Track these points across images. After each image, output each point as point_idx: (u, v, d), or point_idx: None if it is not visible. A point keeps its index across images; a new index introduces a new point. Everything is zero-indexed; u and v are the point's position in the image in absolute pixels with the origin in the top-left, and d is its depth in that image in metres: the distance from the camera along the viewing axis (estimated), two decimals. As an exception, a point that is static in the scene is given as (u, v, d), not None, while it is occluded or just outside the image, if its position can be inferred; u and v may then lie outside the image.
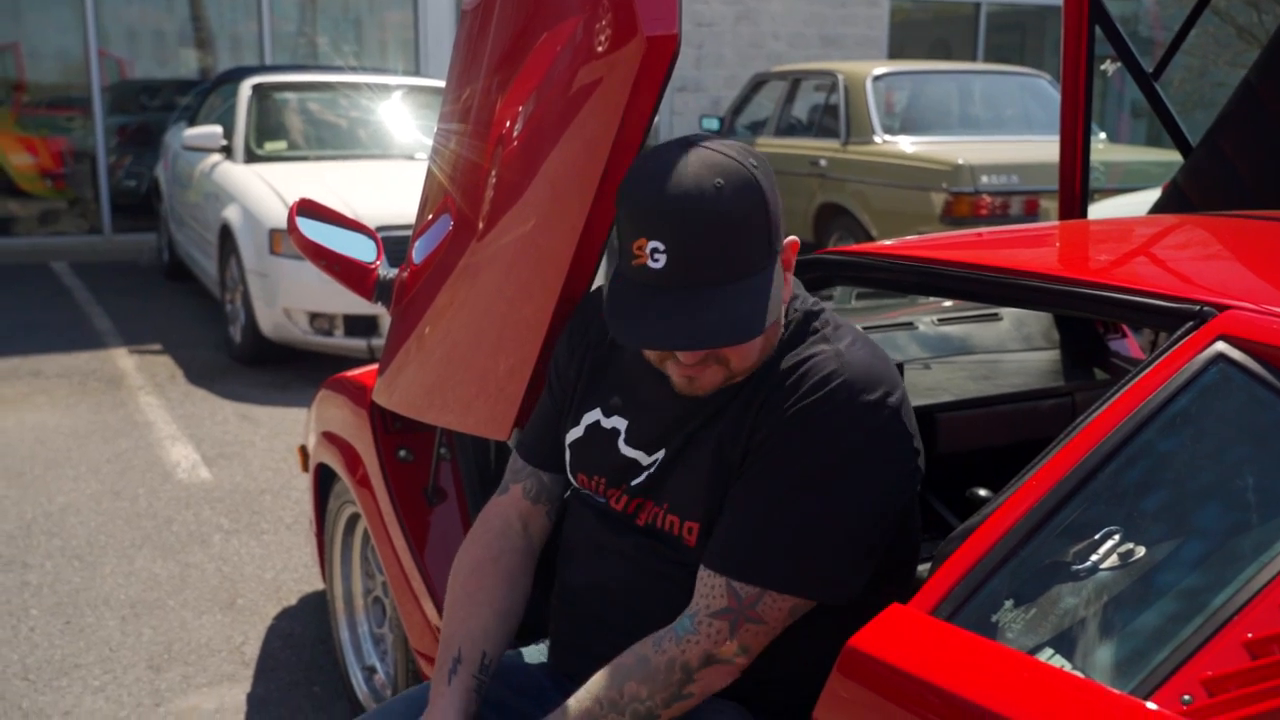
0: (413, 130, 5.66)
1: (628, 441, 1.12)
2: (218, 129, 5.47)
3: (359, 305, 4.23)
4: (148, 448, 3.71)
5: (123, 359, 4.88)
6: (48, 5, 7.57)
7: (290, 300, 4.46)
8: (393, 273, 1.65)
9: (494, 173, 1.43)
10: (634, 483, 1.12)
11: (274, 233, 4.47)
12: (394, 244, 2.19)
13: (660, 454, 1.10)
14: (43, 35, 7.71)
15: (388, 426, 1.73)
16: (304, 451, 2.17)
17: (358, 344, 4.42)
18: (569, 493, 1.22)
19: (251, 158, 5.31)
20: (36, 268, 6.89)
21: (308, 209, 1.60)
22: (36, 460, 3.55)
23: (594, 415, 1.16)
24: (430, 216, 1.58)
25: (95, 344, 5.11)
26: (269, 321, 4.58)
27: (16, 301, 5.93)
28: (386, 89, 5.93)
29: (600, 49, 1.23)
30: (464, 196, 1.50)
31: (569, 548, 1.21)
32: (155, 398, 4.31)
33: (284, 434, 3.86)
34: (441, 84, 5.15)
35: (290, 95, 5.81)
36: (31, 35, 7.68)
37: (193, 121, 6.30)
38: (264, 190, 4.79)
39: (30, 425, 3.90)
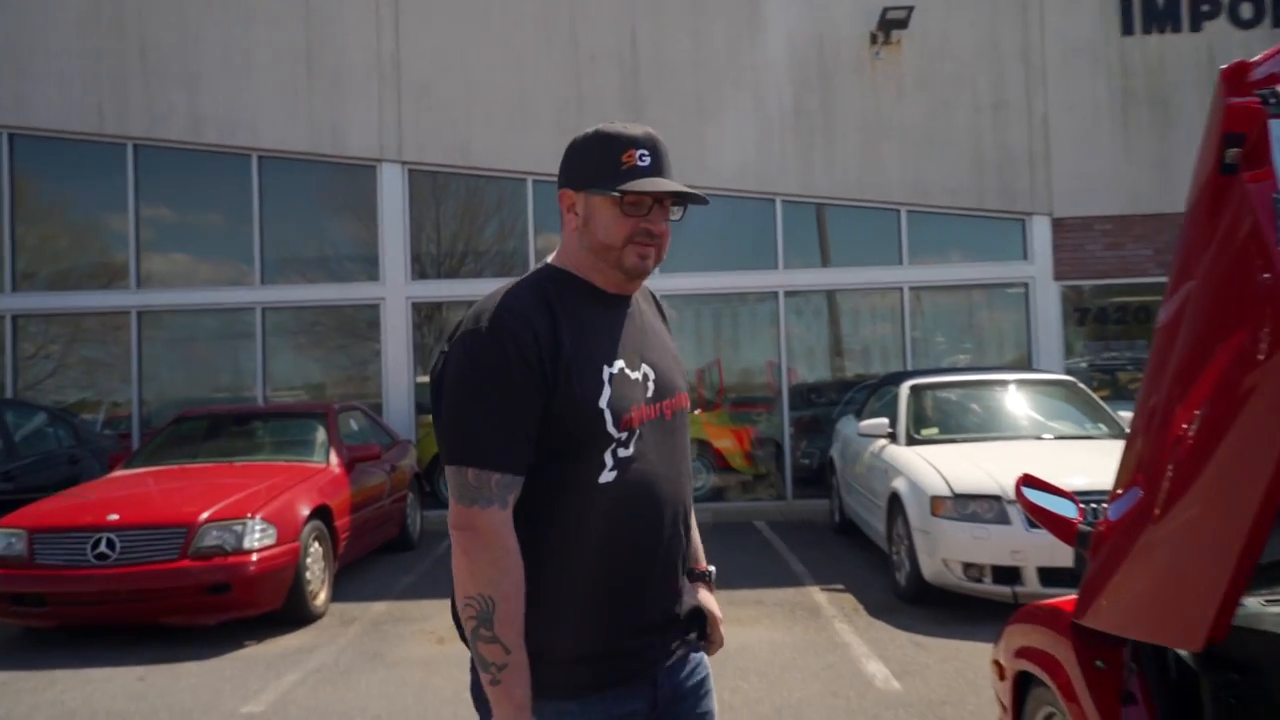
0: (1033, 415, 7.87)
1: (630, 368, 1.93)
2: (884, 420, 7.96)
3: (1004, 558, 6.05)
4: (850, 662, 5.75)
5: (816, 594, 7.47)
6: (749, 334, 12.35)
7: (948, 553, 6.36)
8: (1088, 527, 2.64)
9: (1170, 467, 2.08)
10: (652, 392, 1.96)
11: (934, 499, 6.48)
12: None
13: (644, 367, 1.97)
14: (735, 353, 12.35)
15: (1085, 642, 2.64)
16: (998, 664, 3.20)
17: (1003, 590, 6.15)
18: (614, 453, 1.87)
19: (912, 441, 7.70)
20: (743, 525, 10.71)
21: (1028, 481, 2.73)
22: (773, 664, 5.76)
23: (610, 370, 1.88)
24: (1120, 490, 2.43)
25: (794, 582, 7.89)
26: (930, 569, 6.53)
27: (736, 549, 9.21)
28: (1006, 383, 8.30)
29: (1260, 356, 1.75)
30: (1148, 482, 2.26)
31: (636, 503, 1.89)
32: (847, 625, 6.56)
33: (952, 659, 5.74)
34: (1052, 376, 8.44)
35: (938, 392, 8.26)
36: (726, 353, 12.28)
37: (859, 414, 9.23)
38: (924, 466, 6.92)
39: (764, 639, 6.28)
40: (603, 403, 1.86)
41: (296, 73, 11.83)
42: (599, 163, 1.93)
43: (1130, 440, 2.45)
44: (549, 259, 2.04)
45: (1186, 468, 2.04)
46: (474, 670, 1.88)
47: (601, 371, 1.88)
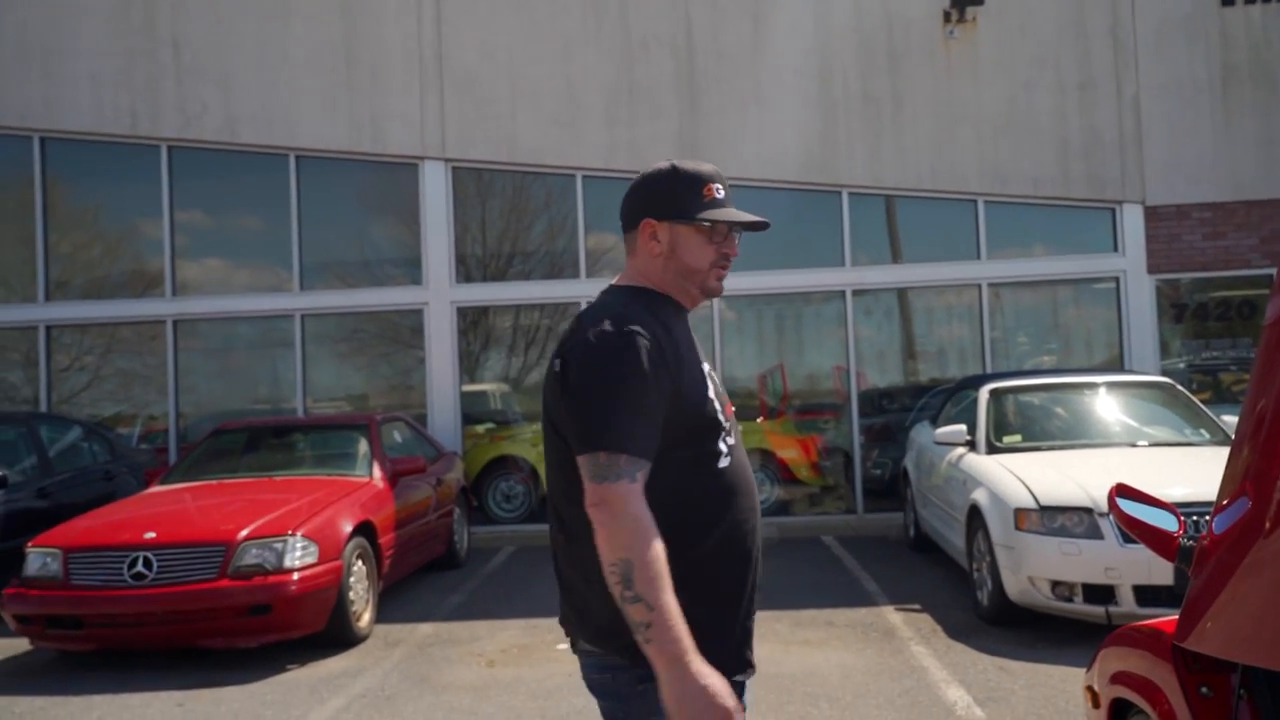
0: (1125, 420, 7.82)
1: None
2: (962, 427, 7.94)
3: (1096, 575, 5.99)
4: (928, 688, 5.71)
5: (890, 615, 7.42)
6: (814, 336, 12.44)
7: (1034, 570, 6.32)
8: (1190, 542, 2.61)
9: (1280, 479, 2.12)
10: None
11: (1018, 512, 6.45)
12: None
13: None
14: (799, 357, 12.43)
15: (1189, 667, 2.61)
16: (1091, 691, 3.16)
17: (1095, 610, 6.10)
18: (721, 445, 2.22)
19: (992, 449, 7.68)
20: (810, 540, 10.69)
21: (1123, 491, 2.67)
22: (845, 690, 5.73)
23: (705, 367, 2.27)
24: (1226, 501, 2.41)
25: (867, 602, 7.82)
26: (1014, 588, 6.50)
27: (803, 567, 9.25)
28: (1095, 386, 8.24)
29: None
30: (1256, 492, 2.25)
31: (739, 494, 2.24)
32: (924, 647, 6.51)
33: (1040, 685, 5.67)
34: (1146, 377, 8.25)
35: (1021, 396, 8.27)
36: (790, 357, 12.35)
37: (935, 421, 9.23)
38: (1007, 477, 6.88)
39: (834, 663, 6.24)
40: (711, 393, 2.24)
41: (335, 67, 11.99)
42: (685, 196, 2.31)
43: (1236, 447, 2.42)
44: (614, 281, 2.40)
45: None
46: (608, 670, 2.20)
47: (702, 368, 2.28)
